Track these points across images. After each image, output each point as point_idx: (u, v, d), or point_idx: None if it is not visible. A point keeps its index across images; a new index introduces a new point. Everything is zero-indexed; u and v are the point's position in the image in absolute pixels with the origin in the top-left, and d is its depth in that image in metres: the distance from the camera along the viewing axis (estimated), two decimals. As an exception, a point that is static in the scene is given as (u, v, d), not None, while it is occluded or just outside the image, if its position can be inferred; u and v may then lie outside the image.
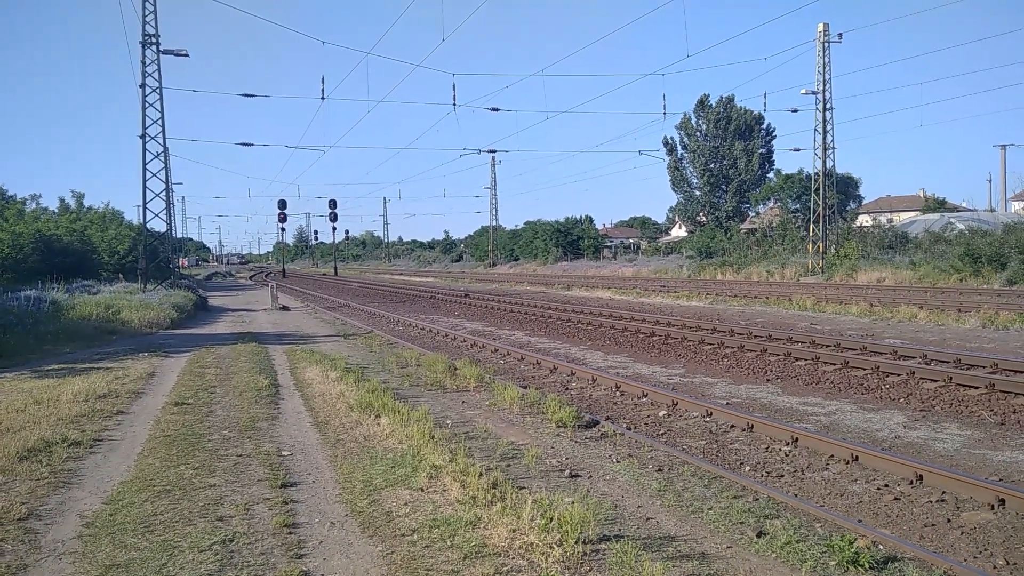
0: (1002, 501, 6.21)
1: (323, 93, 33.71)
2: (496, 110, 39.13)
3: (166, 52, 31.60)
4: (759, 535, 5.54)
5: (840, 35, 36.77)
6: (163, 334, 21.70)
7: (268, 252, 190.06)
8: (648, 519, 5.95)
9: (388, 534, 5.59)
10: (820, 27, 36.33)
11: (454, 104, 35.04)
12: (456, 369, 12.79)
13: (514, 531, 5.37)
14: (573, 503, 5.77)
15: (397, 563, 5.05)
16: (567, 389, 12.04)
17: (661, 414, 10.06)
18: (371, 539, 5.54)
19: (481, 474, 6.60)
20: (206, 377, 13.10)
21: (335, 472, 7.29)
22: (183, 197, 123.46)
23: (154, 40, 31.21)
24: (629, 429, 9.13)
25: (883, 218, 51.60)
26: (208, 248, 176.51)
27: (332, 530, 5.75)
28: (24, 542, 5.55)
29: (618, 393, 11.50)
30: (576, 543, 5.09)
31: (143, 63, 31.21)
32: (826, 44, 36.25)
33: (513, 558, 5.05)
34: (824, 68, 36.36)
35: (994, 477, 7.03)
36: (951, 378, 11.17)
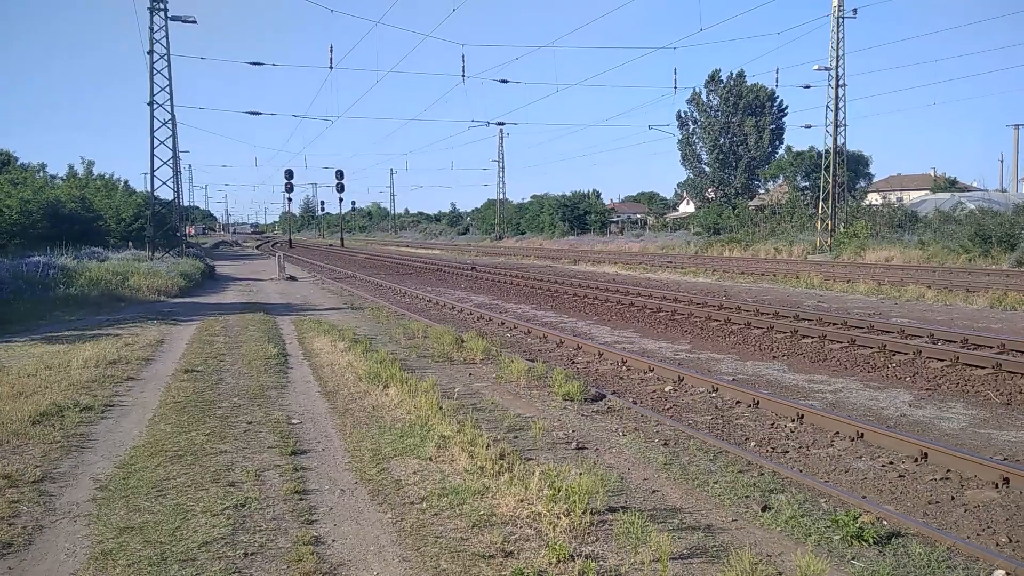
0: (1006, 480, 6.26)
1: (331, 63, 33.41)
2: (505, 82, 38.77)
3: (174, 18, 31.44)
4: (764, 509, 5.60)
5: (855, 10, 36.17)
6: (171, 302, 21.79)
7: (274, 222, 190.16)
8: (654, 491, 6.02)
9: (397, 502, 5.66)
10: (834, 2, 35.79)
11: (463, 75, 34.58)
12: (463, 341, 12.84)
13: (522, 501, 5.44)
14: (580, 474, 5.82)
15: (407, 530, 5.13)
16: (573, 363, 12.09)
17: (667, 389, 10.11)
18: (380, 507, 5.61)
19: (489, 445, 6.67)
20: (215, 345, 13.18)
21: (344, 441, 7.37)
22: (189, 165, 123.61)
23: (162, 6, 30.99)
24: (635, 403, 9.19)
25: (893, 197, 51.23)
26: (214, 217, 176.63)
27: (342, 497, 5.83)
28: (39, 504, 5.64)
29: (624, 368, 11.54)
30: (583, 513, 5.15)
31: (151, 29, 31.04)
32: (840, 19, 35.73)
33: (521, 527, 5.12)
34: (838, 44, 35.89)
35: (998, 456, 7.07)
36: (958, 358, 11.18)
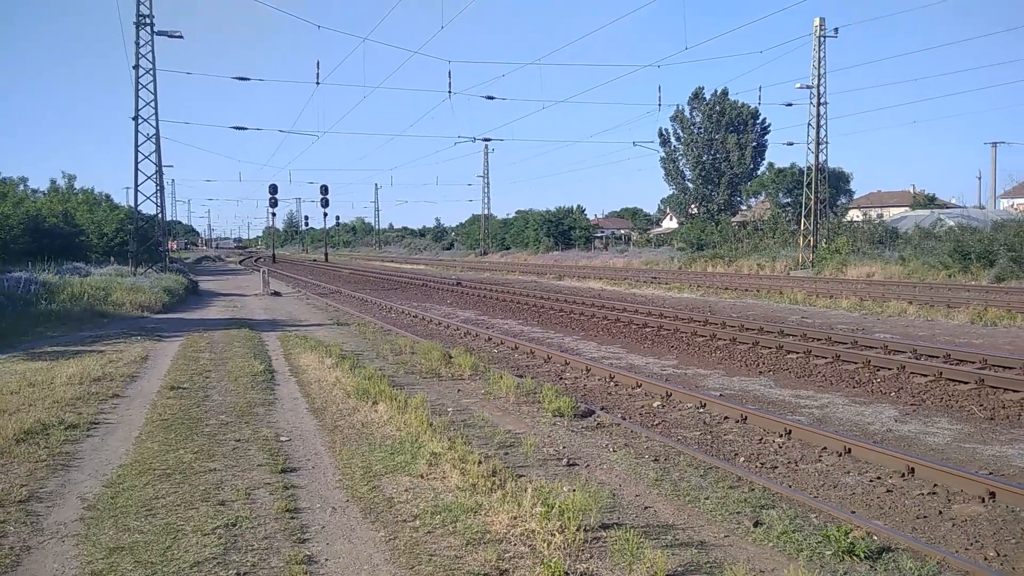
0: (992, 494, 6.33)
1: (318, 78, 33.58)
2: (492, 98, 39.12)
3: (160, 33, 31.36)
4: (756, 524, 5.63)
5: (836, 30, 36.77)
6: (155, 318, 21.62)
7: (258, 236, 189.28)
8: (646, 508, 6.03)
9: (390, 520, 5.64)
10: (816, 21, 36.35)
11: (449, 92, 34.75)
12: (451, 357, 12.83)
13: (515, 518, 5.43)
14: (573, 491, 5.83)
15: (400, 548, 5.11)
16: (561, 379, 12.11)
17: (655, 405, 10.15)
18: (373, 525, 5.59)
19: (480, 462, 6.67)
20: (200, 362, 13.09)
21: (334, 458, 7.33)
22: (173, 180, 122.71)
23: (148, 21, 30.95)
24: (624, 419, 9.21)
25: (873, 213, 51.83)
26: (197, 232, 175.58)
27: (334, 515, 5.80)
28: (26, 524, 5.57)
29: (612, 383, 11.58)
30: (577, 530, 5.16)
31: (137, 44, 30.97)
32: (822, 38, 36.28)
33: (515, 544, 5.12)
34: (819, 63, 36.41)
35: (984, 471, 7.15)
36: (941, 373, 11.30)
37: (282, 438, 8.08)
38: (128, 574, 4.69)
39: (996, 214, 43.59)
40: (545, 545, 5.03)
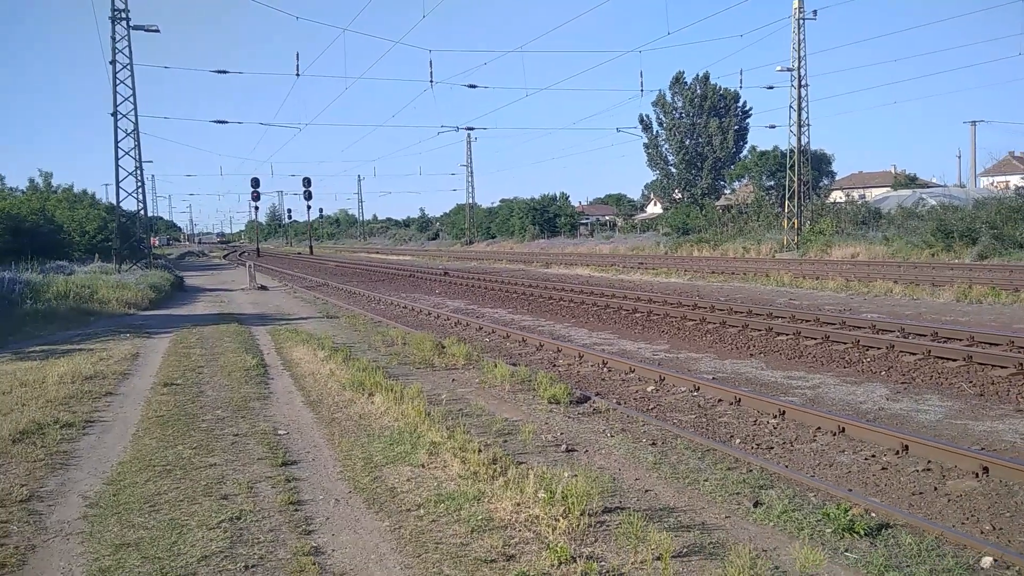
0: (986, 469, 6.44)
1: (297, 70, 33.50)
2: (474, 87, 38.90)
3: (137, 28, 30.96)
4: (756, 505, 5.71)
5: (815, 12, 36.95)
6: (142, 315, 21.47)
7: (240, 231, 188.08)
8: (647, 491, 6.10)
9: (394, 510, 5.67)
10: (795, 3, 36.42)
11: (431, 81, 34.60)
12: (443, 347, 12.84)
13: (518, 505, 5.48)
14: (575, 477, 5.88)
15: (406, 538, 5.14)
16: (555, 366, 12.16)
17: (649, 389, 10.22)
18: (377, 515, 5.62)
19: (480, 450, 6.70)
20: (192, 358, 13.03)
21: (334, 450, 7.34)
22: (152, 176, 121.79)
23: (124, 15, 30.56)
24: (620, 404, 9.28)
25: (855, 194, 52.22)
26: (179, 227, 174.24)
27: (338, 507, 5.82)
28: (29, 523, 5.55)
29: (605, 369, 11.64)
30: (581, 515, 5.21)
31: (113, 39, 30.59)
32: (801, 21, 36.37)
33: (520, 531, 5.16)
34: (799, 45, 36.53)
35: (976, 446, 7.27)
36: (930, 351, 11.45)
37: (280, 431, 8.08)
38: (136, 570, 4.70)
39: (977, 192, 43.96)
40: (550, 530, 5.08)
